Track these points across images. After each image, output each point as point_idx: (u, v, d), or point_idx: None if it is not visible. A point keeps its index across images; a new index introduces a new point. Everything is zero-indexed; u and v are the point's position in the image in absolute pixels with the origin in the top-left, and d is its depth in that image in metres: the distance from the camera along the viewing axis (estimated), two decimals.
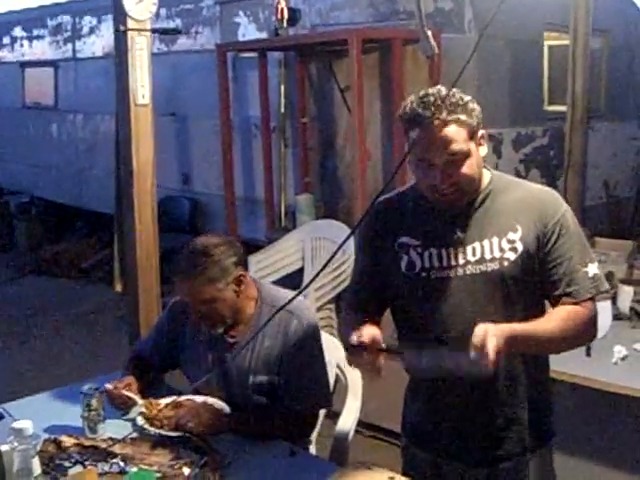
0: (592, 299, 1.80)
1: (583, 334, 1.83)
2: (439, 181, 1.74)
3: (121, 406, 2.23)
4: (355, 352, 1.69)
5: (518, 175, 5.05)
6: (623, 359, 2.73)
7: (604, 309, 2.85)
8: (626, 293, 3.19)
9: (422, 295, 1.85)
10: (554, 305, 1.82)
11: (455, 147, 1.71)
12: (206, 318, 2.23)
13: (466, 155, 1.73)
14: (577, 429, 2.79)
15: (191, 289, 2.18)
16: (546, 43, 5.37)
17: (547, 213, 1.80)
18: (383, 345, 1.68)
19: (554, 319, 1.77)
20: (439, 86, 1.78)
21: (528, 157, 5.21)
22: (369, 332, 1.69)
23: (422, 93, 1.75)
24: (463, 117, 1.72)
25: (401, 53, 4.74)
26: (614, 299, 3.13)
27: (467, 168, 1.74)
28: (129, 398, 2.22)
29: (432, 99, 1.71)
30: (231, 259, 2.20)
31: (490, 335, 1.59)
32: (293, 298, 1.95)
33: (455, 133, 1.71)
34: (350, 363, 1.76)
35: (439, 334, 1.79)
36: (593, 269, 1.80)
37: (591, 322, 1.81)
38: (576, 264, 1.78)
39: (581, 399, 2.78)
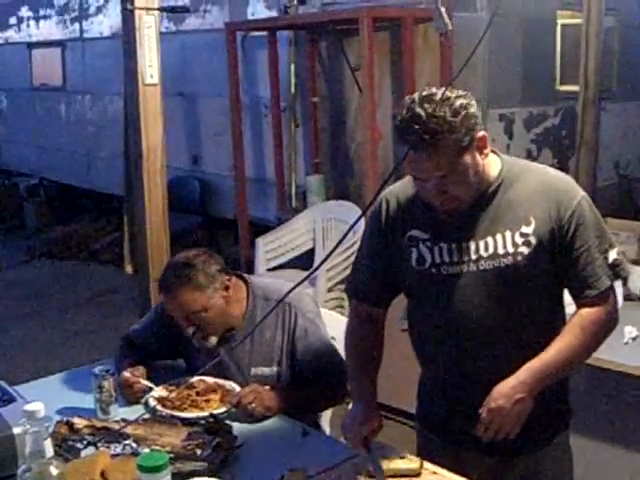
0: (612, 286, 1.78)
1: (605, 333, 1.81)
2: (432, 197, 1.72)
3: (137, 395, 2.22)
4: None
5: (529, 155, 5.02)
6: (634, 339, 2.73)
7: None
8: (637, 274, 3.17)
9: (433, 290, 1.83)
10: (575, 296, 1.79)
11: (443, 171, 1.67)
12: (199, 331, 2.22)
13: (457, 172, 1.68)
14: (587, 409, 2.79)
15: (181, 301, 2.18)
16: (559, 22, 5.31)
17: (563, 204, 1.75)
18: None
19: (569, 338, 1.75)
20: (433, 91, 1.69)
21: (540, 137, 5.17)
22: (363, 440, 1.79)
23: (409, 105, 1.66)
24: (448, 137, 1.63)
25: (412, 32, 4.70)
26: (625, 280, 3.11)
27: (460, 183, 1.70)
28: (147, 387, 2.22)
29: (417, 117, 1.63)
30: (214, 266, 2.23)
31: (487, 401, 1.70)
32: (297, 285, 1.93)
33: (441, 157, 1.65)
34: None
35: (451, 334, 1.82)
36: (613, 255, 1.76)
37: (611, 315, 1.79)
38: (595, 253, 1.74)
39: (591, 379, 2.77)
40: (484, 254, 1.76)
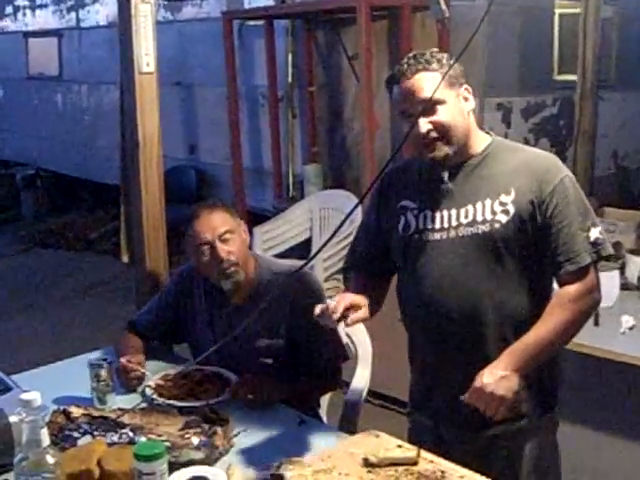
0: (594, 264, 1.80)
1: (587, 311, 1.82)
2: (420, 131, 1.78)
3: (134, 382, 2.23)
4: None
5: (527, 144, 5.00)
6: (631, 329, 2.73)
7: (612, 279, 2.85)
8: (634, 263, 3.17)
9: (416, 256, 1.88)
10: (555, 272, 1.81)
11: (427, 94, 1.76)
12: (232, 254, 2.23)
13: (440, 102, 1.78)
14: (584, 398, 2.79)
15: (215, 218, 2.25)
16: (557, 11, 5.30)
17: (544, 179, 1.79)
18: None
19: (552, 318, 1.76)
20: (420, 51, 1.85)
21: (537, 126, 5.17)
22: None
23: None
24: (434, 66, 1.78)
25: (410, 20, 4.69)
26: (622, 269, 3.13)
27: (444, 115, 1.78)
28: (143, 374, 2.22)
29: (405, 59, 1.81)
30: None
31: (484, 394, 1.69)
32: (304, 265, 1.96)
33: (425, 80, 1.77)
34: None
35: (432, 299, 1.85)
36: (595, 233, 1.79)
37: (591, 293, 1.80)
38: (576, 230, 1.77)
39: (588, 368, 2.78)
40: (464, 221, 1.83)
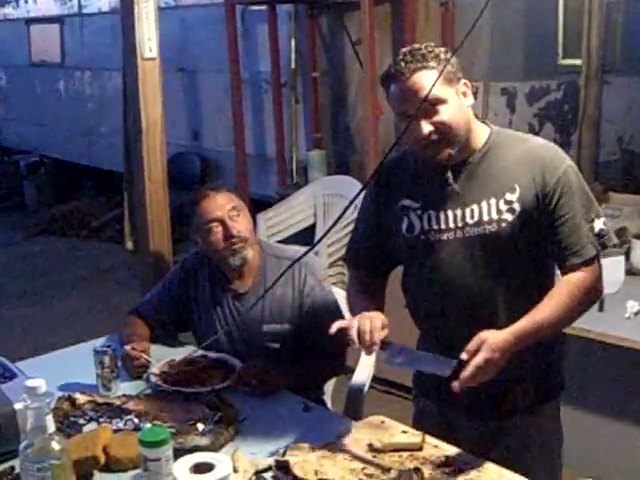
0: (597, 255, 1.78)
1: (589, 300, 1.81)
2: (420, 132, 1.73)
3: (139, 370, 2.23)
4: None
5: (532, 130, 4.99)
6: (636, 314, 2.74)
7: (617, 264, 2.85)
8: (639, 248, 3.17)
9: (421, 258, 1.86)
10: (560, 264, 1.80)
11: (426, 93, 1.71)
12: (238, 230, 2.25)
13: (441, 101, 1.73)
14: (590, 384, 2.80)
15: (221, 198, 2.28)
16: None
17: (548, 171, 1.76)
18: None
19: (557, 300, 1.74)
20: (416, 45, 1.81)
21: (542, 111, 5.14)
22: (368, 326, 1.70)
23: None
24: (432, 64, 1.73)
25: (413, 5, 4.67)
26: (627, 254, 3.12)
27: (446, 115, 1.74)
28: (147, 361, 2.22)
29: (402, 56, 1.75)
30: None
31: (485, 349, 1.62)
32: (309, 250, 1.97)
33: (425, 79, 1.72)
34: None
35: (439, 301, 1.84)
36: (599, 224, 1.77)
37: (595, 284, 1.79)
38: (581, 221, 1.75)
39: (594, 354, 2.78)
40: (470, 221, 1.80)
